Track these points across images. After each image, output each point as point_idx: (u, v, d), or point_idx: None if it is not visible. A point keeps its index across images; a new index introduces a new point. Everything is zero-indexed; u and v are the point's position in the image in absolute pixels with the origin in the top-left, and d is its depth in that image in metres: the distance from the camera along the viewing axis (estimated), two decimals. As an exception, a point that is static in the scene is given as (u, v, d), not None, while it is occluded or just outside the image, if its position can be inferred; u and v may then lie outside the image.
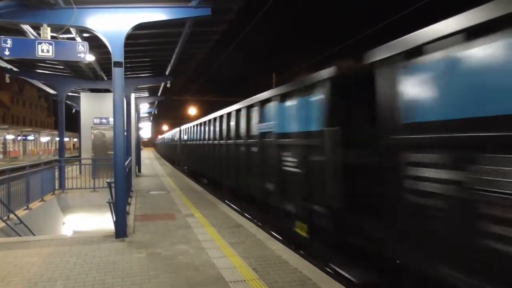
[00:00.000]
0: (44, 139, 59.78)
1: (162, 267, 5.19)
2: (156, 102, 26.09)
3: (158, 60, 13.06)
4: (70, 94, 16.50)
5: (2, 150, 48.53)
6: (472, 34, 3.42)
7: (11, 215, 8.37)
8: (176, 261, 5.46)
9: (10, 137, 50.95)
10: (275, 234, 8.14)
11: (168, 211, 9.48)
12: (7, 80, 13.35)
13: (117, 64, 6.85)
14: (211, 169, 15.06)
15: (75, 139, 63.84)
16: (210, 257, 5.62)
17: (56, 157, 17.77)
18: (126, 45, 7.06)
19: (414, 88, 4.14)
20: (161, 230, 7.36)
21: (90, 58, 8.99)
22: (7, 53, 6.44)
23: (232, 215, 8.91)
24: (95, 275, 4.88)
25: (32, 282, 4.63)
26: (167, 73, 14.69)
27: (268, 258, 5.59)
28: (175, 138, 31.60)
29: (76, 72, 13.97)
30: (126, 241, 6.58)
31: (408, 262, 4.31)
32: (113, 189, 7.00)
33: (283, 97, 7.77)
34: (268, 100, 8.63)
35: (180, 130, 27.92)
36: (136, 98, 20.35)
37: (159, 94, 21.02)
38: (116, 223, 6.88)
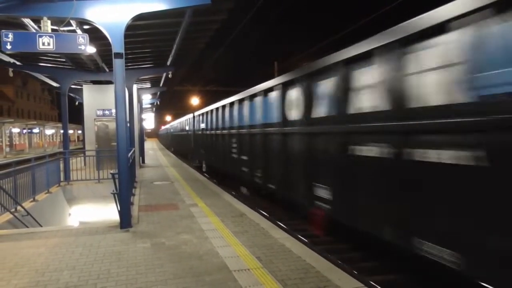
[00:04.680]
0: (48, 131, 59.99)
1: (166, 256, 5.26)
2: (158, 93, 26.09)
3: (159, 50, 13.02)
4: (72, 86, 16.52)
5: (8, 143, 48.81)
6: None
7: (18, 207, 8.49)
8: (180, 250, 5.53)
9: (15, 130, 51.22)
10: (280, 224, 8.25)
11: (172, 201, 9.55)
12: (11, 74, 13.40)
13: (118, 55, 6.85)
14: (179, 146, 32.81)
15: (79, 131, 64.08)
16: (214, 246, 5.68)
17: (61, 149, 17.87)
18: (126, 36, 7.04)
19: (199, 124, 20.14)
20: (165, 220, 7.44)
21: (90, 50, 9.00)
22: (8, 47, 6.45)
23: (235, 204, 8.97)
24: (100, 265, 4.96)
25: (39, 272, 4.71)
26: (168, 63, 14.66)
27: (271, 247, 5.64)
28: (168, 131, 49.13)
29: (77, 64, 13.98)
30: (130, 232, 6.67)
31: (201, 161, 20.26)
32: (117, 180, 7.06)
33: (183, 122, 28.95)
34: (186, 120, 26.20)
35: (171, 125, 46.17)
36: (138, 89, 20.36)
37: (161, 84, 21.00)
38: (120, 213, 6.96)
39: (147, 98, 26.38)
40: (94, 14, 6.78)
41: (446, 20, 4.01)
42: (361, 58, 5.52)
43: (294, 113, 7.73)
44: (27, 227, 8.09)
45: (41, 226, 8.76)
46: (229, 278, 4.45)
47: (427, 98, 4.34)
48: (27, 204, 9.06)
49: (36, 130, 55.09)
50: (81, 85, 17.91)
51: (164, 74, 16.63)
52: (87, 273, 4.66)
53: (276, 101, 8.64)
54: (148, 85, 21.81)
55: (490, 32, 3.60)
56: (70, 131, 60.31)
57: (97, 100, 17.38)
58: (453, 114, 3.96)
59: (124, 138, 7.05)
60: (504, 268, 3.48)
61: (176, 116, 55.17)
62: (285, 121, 8.14)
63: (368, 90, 5.42)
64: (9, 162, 9.11)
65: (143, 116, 30.71)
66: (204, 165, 19.07)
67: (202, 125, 18.29)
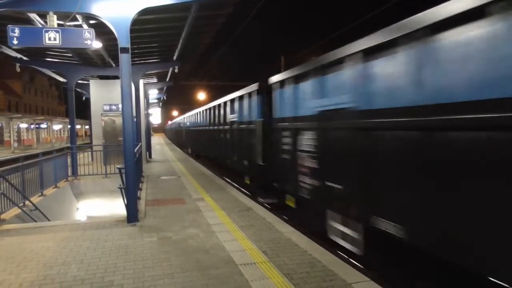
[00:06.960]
0: (56, 127, 60.35)
1: (173, 250, 5.28)
2: (165, 88, 26.13)
3: (165, 45, 13.02)
4: (79, 81, 16.60)
5: (16, 138, 49.26)
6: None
7: (27, 202, 8.57)
8: (186, 244, 5.54)
9: (23, 125, 51.62)
10: (286, 218, 8.27)
11: (179, 195, 9.59)
12: (18, 69, 13.48)
13: (124, 50, 6.84)
14: (178, 139, 41.05)
15: (87, 126, 64.40)
16: (220, 241, 5.69)
17: (69, 145, 18.04)
18: (132, 31, 7.03)
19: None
20: (172, 215, 7.47)
21: (97, 45, 8.99)
22: (15, 42, 6.47)
23: (241, 199, 8.98)
24: (107, 259, 4.99)
25: (48, 266, 4.75)
26: (174, 58, 14.65)
27: (278, 241, 5.64)
28: (171, 127, 59.76)
29: (84, 59, 14.02)
30: (137, 226, 6.70)
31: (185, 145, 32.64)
32: (124, 175, 7.09)
33: (179, 120, 43.84)
34: (181, 119, 39.19)
35: (173, 122, 58.05)
36: (144, 84, 20.39)
37: (167, 79, 21.02)
38: (127, 208, 6.99)
39: (153, 93, 26.43)
40: (100, 9, 6.77)
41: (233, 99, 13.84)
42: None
43: (208, 121, 17.65)
44: (35, 221, 8.16)
45: (49, 220, 8.84)
46: (235, 272, 4.46)
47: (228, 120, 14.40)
48: (35, 199, 9.14)
49: (43, 126, 55.42)
50: (88, 80, 17.97)
51: (171, 69, 16.65)
52: (94, 267, 4.70)
53: (206, 115, 18.65)
54: (154, 80, 21.84)
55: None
56: (78, 126, 60.63)
57: (104, 95, 17.44)
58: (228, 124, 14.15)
59: (130, 133, 7.06)
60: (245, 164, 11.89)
61: (182, 111, 56.33)
62: (207, 123, 18.17)
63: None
64: (17, 157, 9.18)
65: (150, 111, 30.83)
66: (190, 150, 28.25)
67: (188, 123, 29.17)
